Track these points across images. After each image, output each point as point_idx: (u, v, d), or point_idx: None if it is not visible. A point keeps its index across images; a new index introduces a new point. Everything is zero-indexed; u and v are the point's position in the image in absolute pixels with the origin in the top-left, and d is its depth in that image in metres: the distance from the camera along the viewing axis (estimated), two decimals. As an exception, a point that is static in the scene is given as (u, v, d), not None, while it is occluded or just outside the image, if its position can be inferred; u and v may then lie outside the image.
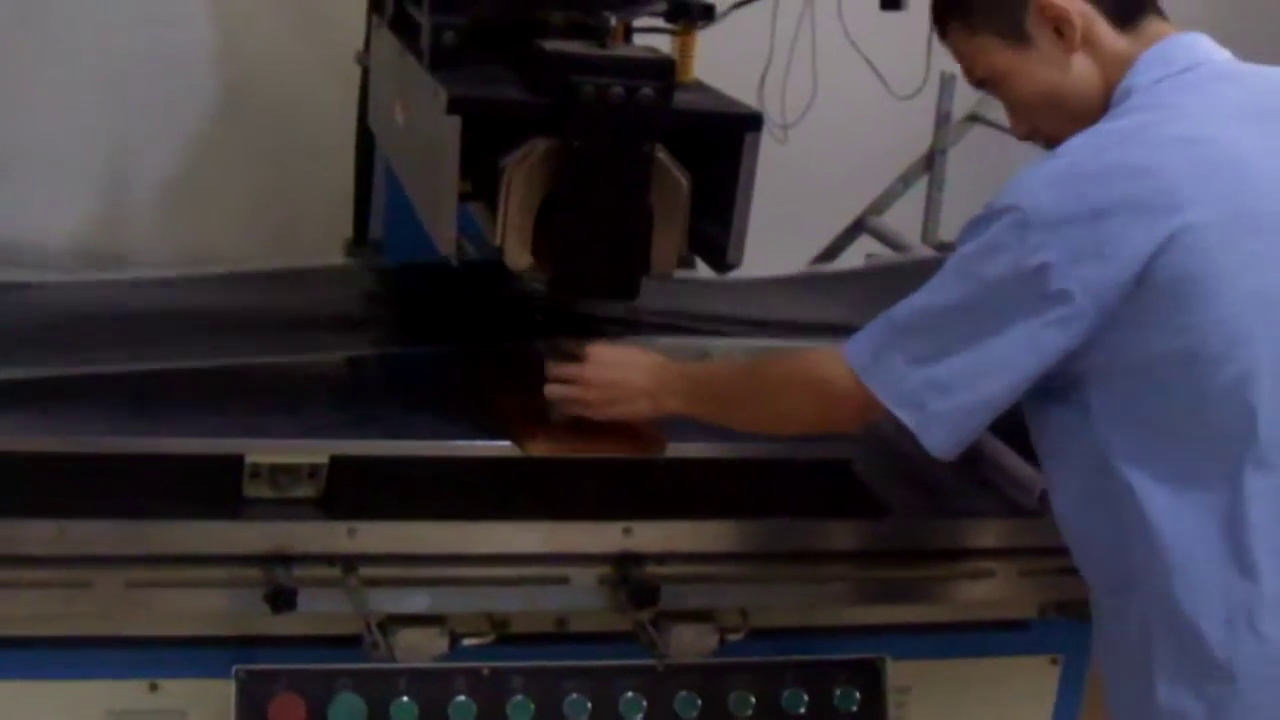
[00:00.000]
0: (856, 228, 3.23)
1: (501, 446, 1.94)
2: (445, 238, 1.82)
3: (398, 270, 2.51)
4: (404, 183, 2.14)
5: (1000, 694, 2.18)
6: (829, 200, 3.24)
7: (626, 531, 1.93)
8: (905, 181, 3.26)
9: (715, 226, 1.91)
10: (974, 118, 3.24)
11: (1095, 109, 1.73)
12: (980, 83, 1.82)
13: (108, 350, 2.07)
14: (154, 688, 1.89)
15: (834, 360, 1.74)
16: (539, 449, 1.93)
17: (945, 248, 2.96)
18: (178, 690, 1.90)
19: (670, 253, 1.87)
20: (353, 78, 2.61)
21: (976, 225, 1.67)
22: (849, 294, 2.58)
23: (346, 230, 2.77)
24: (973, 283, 1.66)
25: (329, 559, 1.85)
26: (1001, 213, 1.64)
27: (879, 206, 3.26)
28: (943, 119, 3.20)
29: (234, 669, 1.85)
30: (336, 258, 2.73)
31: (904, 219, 3.22)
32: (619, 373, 1.90)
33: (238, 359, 2.05)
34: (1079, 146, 1.67)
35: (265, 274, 2.50)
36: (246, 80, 3.08)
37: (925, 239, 3.16)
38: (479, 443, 1.95)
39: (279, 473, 1.89)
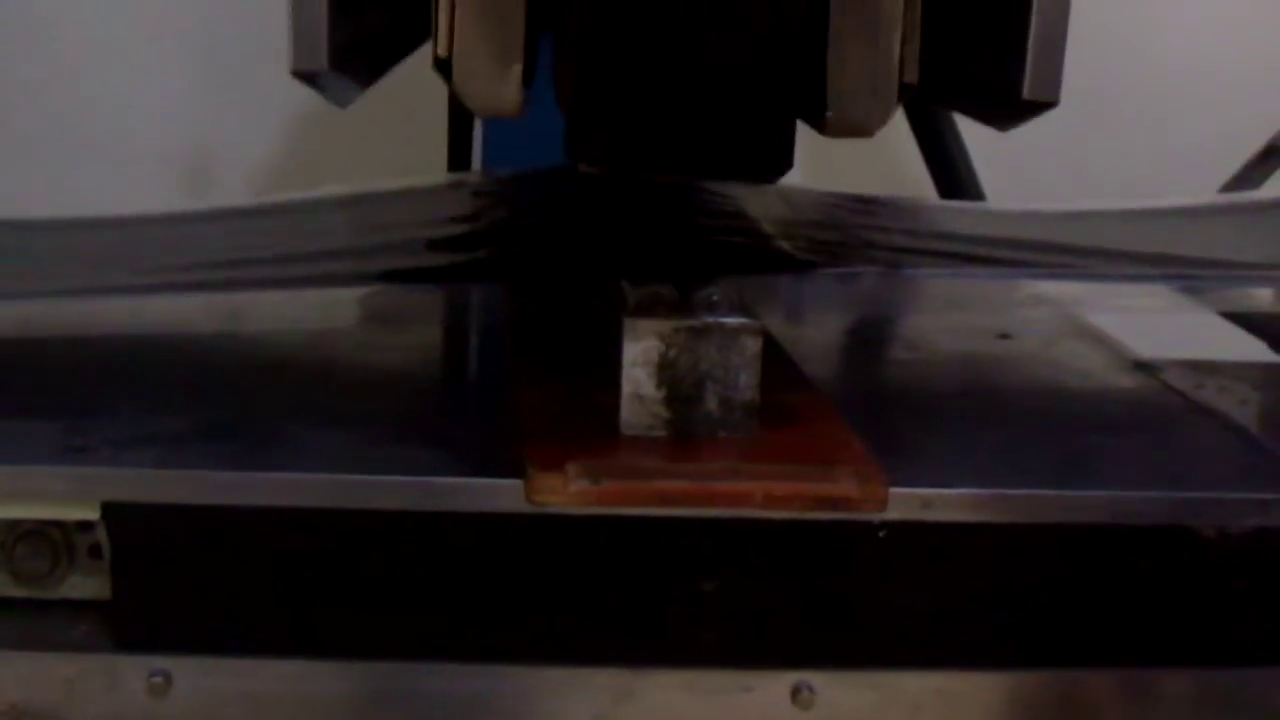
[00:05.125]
0: (1271, 155, 2.14)
1: (498, 488, 0.86)
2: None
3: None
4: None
5: None
6: (1230, 114, 2.22)
7: (799, 694, 0.88)
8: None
9: (988, 46, 0.85)
10: None
11: None
12: None
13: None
14: None
15: None
16: (563, 497, 0.84)
17: None
18: None
19: (880, 80, 0.78)
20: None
21: None
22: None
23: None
24: None
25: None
26: None
27: (1310, 121, 2.15)
28: None
29: None
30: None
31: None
32: None
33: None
34: None
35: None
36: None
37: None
38: (443, 480, 0.86)
39: (18, 543, 0.87)
